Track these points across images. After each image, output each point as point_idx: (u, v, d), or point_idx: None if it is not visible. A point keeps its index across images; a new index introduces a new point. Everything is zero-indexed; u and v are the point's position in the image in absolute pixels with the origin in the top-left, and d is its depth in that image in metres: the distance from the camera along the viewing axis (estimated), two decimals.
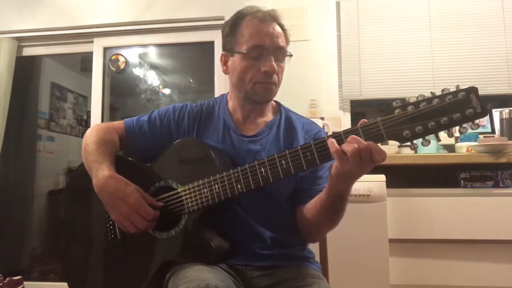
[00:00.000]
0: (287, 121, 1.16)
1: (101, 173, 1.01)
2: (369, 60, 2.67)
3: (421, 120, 0.78)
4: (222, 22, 2.62)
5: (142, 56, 3.21)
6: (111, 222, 1.10)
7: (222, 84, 2.68)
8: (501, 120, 2.31)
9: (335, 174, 0.87)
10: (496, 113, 2.38)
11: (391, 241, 1.87)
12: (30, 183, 3.42)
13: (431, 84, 2.56)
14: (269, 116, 1.17)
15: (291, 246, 1.08)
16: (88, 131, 1.15)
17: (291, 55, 1.11)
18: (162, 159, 1.09)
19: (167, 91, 3.39)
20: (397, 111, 0.80)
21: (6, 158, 2.99)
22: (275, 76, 1.08)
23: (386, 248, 1.84)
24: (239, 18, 1.11)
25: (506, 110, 2.29)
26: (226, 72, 1.15)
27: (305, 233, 1.09)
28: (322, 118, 2.43)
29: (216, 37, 2.78)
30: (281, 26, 1.11)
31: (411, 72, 2.60)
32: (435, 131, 0.79)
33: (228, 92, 1.21)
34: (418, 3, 2.65)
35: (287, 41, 1.12)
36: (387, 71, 2.64)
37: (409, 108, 0.79)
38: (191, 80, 3.39)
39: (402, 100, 0.82)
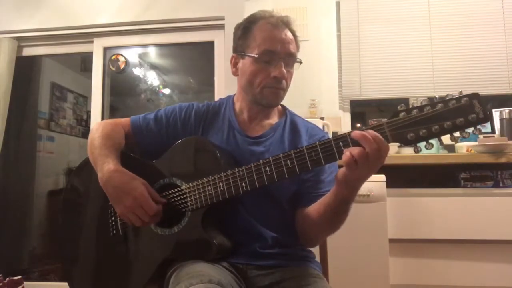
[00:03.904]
0: (292, 124, 1.18)
1: (107, 166, 1.02)
2: (369, 60, 2.67)
3: (426, 124, 0.81)
4: (222, 22, 2.68)
5: (142, 56, 3.21)
6: (113, 218, 1.10)
7: (222, 84, 2.68)
8: (501, 120, 2.31)
9: (344, 180, 0.88)
10: (496, 113, 2.38)
11: (391, 241, 1.87)
12: (30, 183, 3.41)
13: (431, 84, 2.56)
14: (274, 119, 1.18)
15: (291, 246, 1.09)
16: (95, 126, 1.16)
17: (301, 62, 1.13)
18: (166, 156, 1.10)
19: (167, 91, 3.39)
20: (402, 114, 0.83)
21: (6, 158, 2.99)
22: (284, 81, 1.09)
23: (386, 248, 1.84)
24: (252, 22, 1.12)
25: (506, 110, 2.29)
26: (235, 74, 1.17)
27: (304, 236, 1.09)
28: (322, 118, 2.43)
29: (216, 37, 2.77)
30: (293, 33, 1.12)
31: (411, 72, 2.60)
32: (438, 135, 0.82)
33: (235, 94, 1.22)
34: (418, 3, 2.65)
35: (298, 47, 1.13)
36: (387, 71, 2.64)
37: (414, 112, 0.82)
38: (191, 80, 3.39)
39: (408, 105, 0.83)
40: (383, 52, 2.65)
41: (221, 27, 2.70)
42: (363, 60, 2.67)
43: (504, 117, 2.29)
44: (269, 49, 1.07)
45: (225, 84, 2.61)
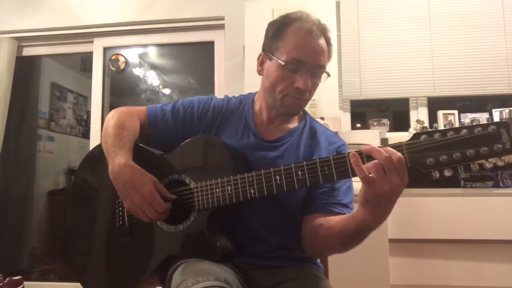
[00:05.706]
0: (311, 130, 1.14)
1: (118, 159, 1.00)
2: (369, 60, 2.67)
3: (447, 150, 0.76)
4: (222, 22, 2.69)
5: (142, 56, 3.21)
6: (120, 209, 1.10)
7: (222, 84, 2.68)
8: (501, 120, 2.31)
9: (364, 200, 0.81)
10: (496, 113, 2.38)
11: (391, 241, 1.87)
12: (30, 183, 3.42)
13: (431, 84, 2.56)
14: (294, 124, 1.14)
15: (295, 249, 1.08)
16: (111, 113, 1.14)
17: (329, 75, 1.08)
18: (178, 152, 1.08)
19: (167, 91, 3.40)
20: (423, 137, 0.79)
21: (6, 158, 2.99)
22: (307, 93, 1.06)
23: (386, 248, 1.84)
24: (286, 23, 1.06)
25: (506, 110, 2.29)
26: (260, 73, 1.12)
27: (310, 246, 1.04)
28: (322, 118, 2.42)
29: (216, 37, 2.78)
30: (328, 41, 1.07)
31: (411, 72, 2.60)
32: (459, 162, 0.76)
33: (256, 92, 1.18)
34: (418, 3, 2.65)
35: (330, 56, 1.08)
36: (387, 71, 2.64)
37: (436, 135, 0.77)
38: (191, 80, 3.40)
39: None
40: (383, 52, 2.64)
41: (221, 27, 2.70)
42: (363, 60, 2.67)
43: (504, 117, 2.29)
44: (298, 58, 1.02)
45: (225, 84, 2.61)
